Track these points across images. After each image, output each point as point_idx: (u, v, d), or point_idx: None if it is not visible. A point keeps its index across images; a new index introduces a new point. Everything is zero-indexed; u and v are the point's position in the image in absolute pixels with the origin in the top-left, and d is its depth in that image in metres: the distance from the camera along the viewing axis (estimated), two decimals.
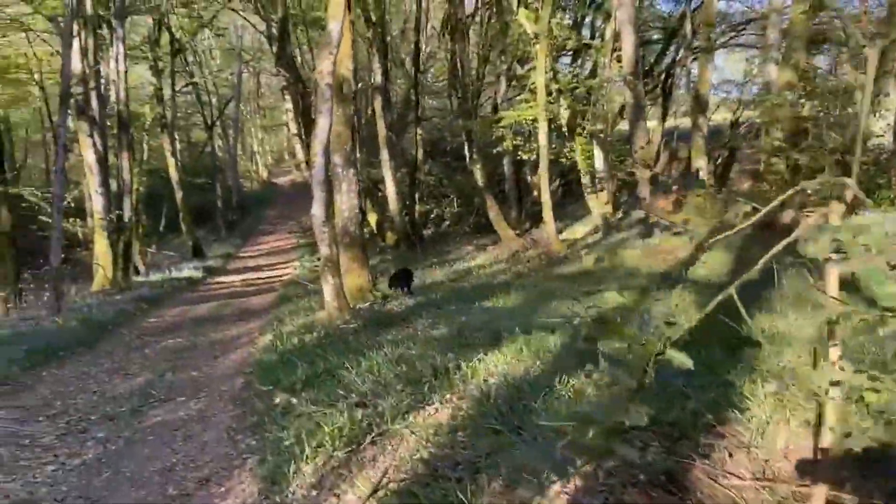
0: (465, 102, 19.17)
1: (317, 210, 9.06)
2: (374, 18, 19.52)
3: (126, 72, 15.21)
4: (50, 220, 16.96)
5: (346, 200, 10.53)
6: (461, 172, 27.60)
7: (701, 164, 17.84)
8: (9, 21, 17.05)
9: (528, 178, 24.32)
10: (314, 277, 18.22)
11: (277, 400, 5.54)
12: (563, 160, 16.85)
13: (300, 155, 25.11)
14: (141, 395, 7.00)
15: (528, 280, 11.89)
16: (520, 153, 16.92)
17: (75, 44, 13.48)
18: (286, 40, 16.74)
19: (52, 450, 5.50)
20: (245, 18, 31.40)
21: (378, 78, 21.44)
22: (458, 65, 19.52)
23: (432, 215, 26.66)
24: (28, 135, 41.72)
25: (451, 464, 3.96)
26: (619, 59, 17.77)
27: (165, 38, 24.71)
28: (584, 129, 16.41)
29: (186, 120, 40.12)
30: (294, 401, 5.47)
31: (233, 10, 28.58)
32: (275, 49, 24.37)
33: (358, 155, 11.14)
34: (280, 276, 19.99)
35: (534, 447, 3.85)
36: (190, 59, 32.81)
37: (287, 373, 6.64)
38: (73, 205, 18.91)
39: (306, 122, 17.75)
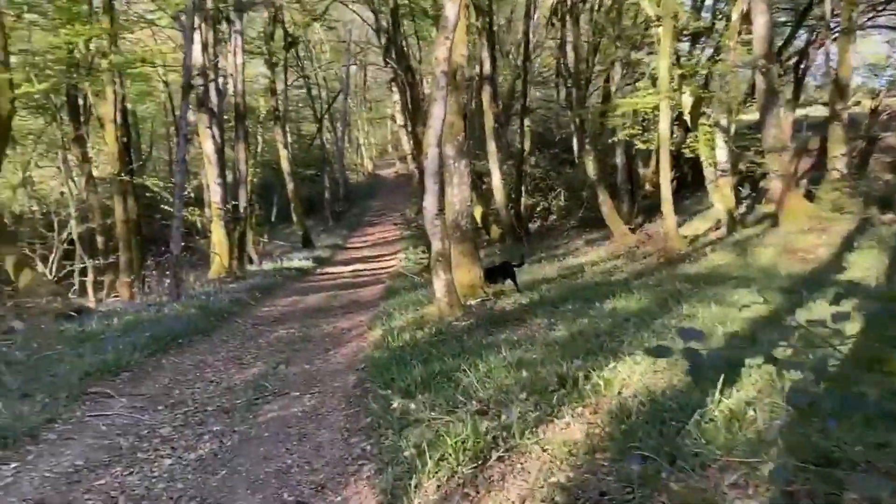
0: (577, 90, 18.39)
1: (429, 203, 8.75)
2: (483, 6, 19.08)
3: (243, 65, 15.62)
4: (171, 210, 17.77)
5: (458, 193, 10.18)
6: (569, 165, 26.78)
7: (838, 154, 16.27)
8: (136, 19, 17.97)
9: (640, 170, 23.17)
10: (420, 270, 18.13)
11: (395, 404, 5.22)
12: (686, 150, 15.76)
13: (406, 147, 25.09)
14: (255, 387, 6.94)
15: (648, 279, 11.11)
16: (637, 143, 15.97)
17: (196, 38, 13.95)
18: (396, 31, 16.62)
19: (170, 442, 5.45)
20: (354, 12, 31.82)
21: (486, 67, 20.99)
22: (571, 52, 18.72)
23: (539, 209, 26.00)
24: (153, 128, 44.49)
25: (595, 494, 3.47)
26: (743, 43, 16.47)
27: (279, 33, 25.39)
28: (707, 117, 15.26)
29: (297, 113, 41.35)
30: (412, 405, 5.13)
31: (343, 3, 29.01)
32: (383, 41, 24.47)
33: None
34: (386, 267, 20.04)
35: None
36: (302, 53, 33.69)
37: (401, 372, 6.35)
38: (192, 195, 19.76)
39: (413, 113, 17.59)
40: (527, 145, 24.41)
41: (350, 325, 10.60)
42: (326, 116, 37.31)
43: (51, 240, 17.23)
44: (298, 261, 19.81)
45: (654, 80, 14.54)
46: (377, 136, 63.77)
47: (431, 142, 8.52)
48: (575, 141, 27.33)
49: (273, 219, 32.39)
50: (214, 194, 15.64)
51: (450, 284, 8.93)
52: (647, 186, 22.91)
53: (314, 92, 36.81)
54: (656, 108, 15.01)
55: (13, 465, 4.79)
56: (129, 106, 33.57)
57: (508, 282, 10.93)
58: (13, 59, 18.70)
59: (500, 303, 9.77)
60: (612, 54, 20.07)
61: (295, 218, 25.95)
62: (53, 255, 16.24)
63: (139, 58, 17.91)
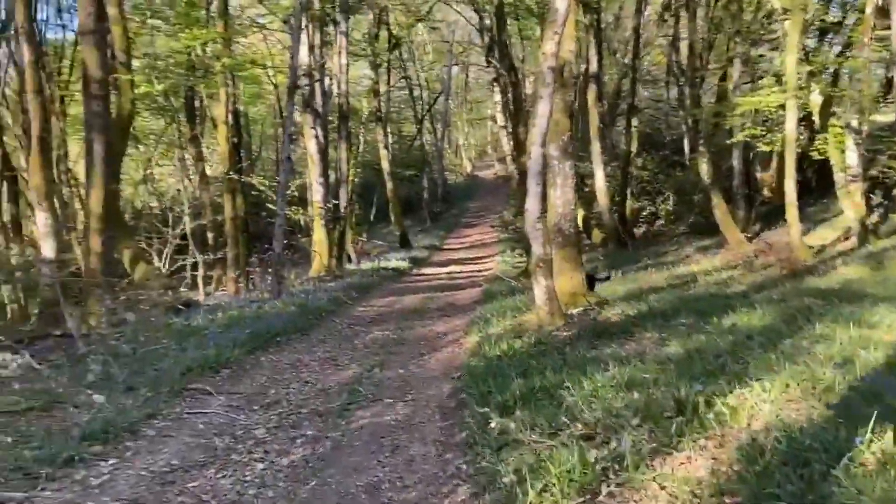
0: (691, 88, 17.36)
1: (531, 205, 8.33)
2: (591, 2, 18.41)
3: (347, 66, 15.79)
4: (275, 208, 18.25)
5: (561, 195, 9.69)
6: (678, 167, 25.50)
7: None
8: (248, 23, 18.62)
9: (757, 173, 21.68)
10: (517, 274, 17.69)
11: (493, 424, 4.86)
12: (813, 153, 14.48)
13: (505, 147, 24.70)
14: (350, 391, 6.78)
15: (771, 293, 10.18)
16: (759, 145, 14.80)
17: (303, 39, 14.19)
18: (500, 30, 16.28)
19: (264, 444, 5.34)
20: (458, 12, 31.76)
21: (593, 65, 20.26)
22: (685, 48, 17.70)
23: (644, 213, 24.91)
24: (263, 129, 46.37)
25: None
26: (878, 39, 14.97)
27: (383, 34, 25.67)
28: (837, 117, 13.93)
29: (399, 114, 41.87)
30: (511, 425, 4.75)
31: (446, 3, 29.01)
32: (486, 40, 24.19)
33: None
34: (483, 270, 19.74)
35: None
36: (405, 55, 34.04)
37: (499, 385, 5.98)
38: (297, 194, 20.25)
39: (515, 113, 17.19)
40: (634, 146, 23.41)
41: (446, 329, 10.35)
42: (427, 117, 37.53)
43: (165, 235, 18.10)
44: (395, 261, 19.86)
45: (778, 78, 13.41)
46: (476, 137, 63.72)
47: (536, 141, 8.11)
48: (686, 142, 25.94)
49: (372, 218, 32.86)
50: (316, 193, 15.89)
51: (551, 291, 8.48)
52: (765, 192, 21.42)
53: (416, 93, 37.13)
54: (781, 107, 13.88)
55: (112, 461, 4.80)
56: (240, 108, 35.18)
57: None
58: (137, 62, 19.91)
59: (604, 312, 9.20)
60: (731, 51, 18.83)
61: (393, 218, 26.17)
62: (167, 249, 17.03)
63: (249, 59, 18.52)
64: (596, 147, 20.97)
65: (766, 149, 14.76)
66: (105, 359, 6.32)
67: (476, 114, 58.95)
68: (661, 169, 25.75)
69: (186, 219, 22.90)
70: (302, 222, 24.67)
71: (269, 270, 13.15)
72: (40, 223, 9.61)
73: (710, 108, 17.53)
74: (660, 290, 11.85)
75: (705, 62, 21.12)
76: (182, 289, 22.23)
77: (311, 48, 15.05)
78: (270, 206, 18.04)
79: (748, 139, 15.55)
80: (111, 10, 14.07)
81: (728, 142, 16.85)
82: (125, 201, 31.50)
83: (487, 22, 24.53)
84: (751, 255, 15.61)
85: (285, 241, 16.48)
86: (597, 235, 23.32)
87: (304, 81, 14.60)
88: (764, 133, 14.72)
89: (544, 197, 8.54)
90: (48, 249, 9.53)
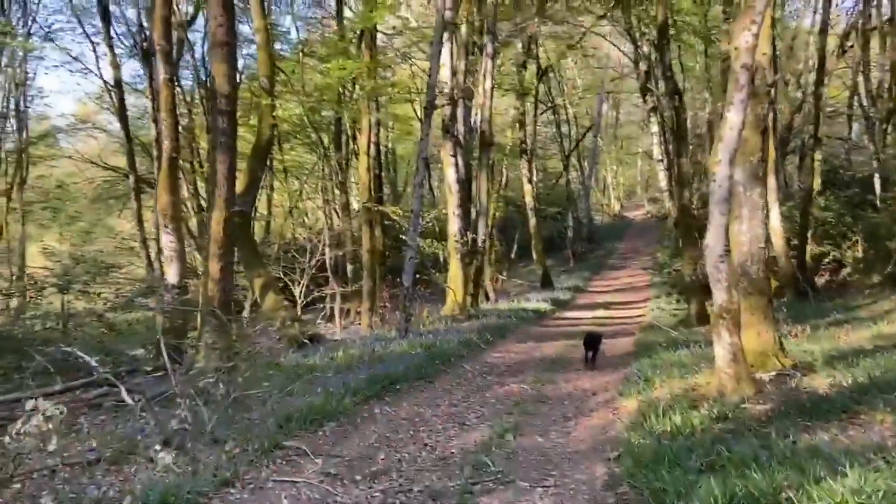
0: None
1: (712, 239, 6.58)
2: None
3: (492, 90, 14.78)
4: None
5: (748, 230, 7.81)
6: (869, 208, 21.95)
7: None
8: (394, 54, 18.32)
9: None
10: (676, 323, 15.52)
11: None
12: None
13: (662, 183, 22.53)
14: (475, 464, 5.37)
15: None
16: None
17: (445, 59, 13.37)
18: (663, 49, 14.54)
19: None
20: (612, 42, 30.16)
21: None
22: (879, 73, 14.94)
23: (827, 260, 21.56)
24: (409, 166, 47.00)
25: None
26: None
27: (531, 65, 24.66)
28: None
29: (544, 150, 40.62)
30: None
31: (599, 35, 27.54)
32: (643, 69, 22.41)
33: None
34: (634, 316, 17.69)
35: None
36: (553, 88, 32.87)
37: (677, 480, 4.31)
38: (434, 226, 19.45)
39: (678, 143, 15.26)
40: (816, 183, 20.42)
41: (594, 387, 8.68)
42: (574, 153, 35.93)
43: (303, 265, 17.88)
44: (536, 302, 18.32)
45: None
46: (626, 176, 60.94)
47: (721, 159, 6.39)
48: (877, 180, 22.48)
49: (513, 256, 31.54)
50: (453, 225, 14.85)
51: (736, 350, 6.62)
52: None
53: (563, 128, 35.73)
54: None
55: None
56: (384, 140, 35.66)
57: None
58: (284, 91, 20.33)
59: (806, 380, 7.13)
60: None
61: (535, 256, 24.68)
62: (303, 280, 16.70)
63: (390, 83, 18.10)
64: (772, 181, 18.30)
65: None
66: (194, 403, 5.38)
67: (626, 150, 56.36)
68: (846, 210, 22.25)
69: (327, 250, 22.82)
70: (442, 257, 23.89)
71: (400, 307, 12.16)
72: (166, 246, 9.31)
73: None
74: (867, 353, 9.37)
75: None
76: (319, 321, 22.10)
77: (454, 72, 14.19)
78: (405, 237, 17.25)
79: None
80: (258, 38, 14.04)
81: None
82: (274, 232, 32.78)
83: (645, 49, 22.77)
84: None
85: (419, 276, 15.53)
86: (771, 283, 20.35)
87: (443, 102, 13.72)
88: None
89: (727, 231, 6.74)
90: (172, 274, 9.18)
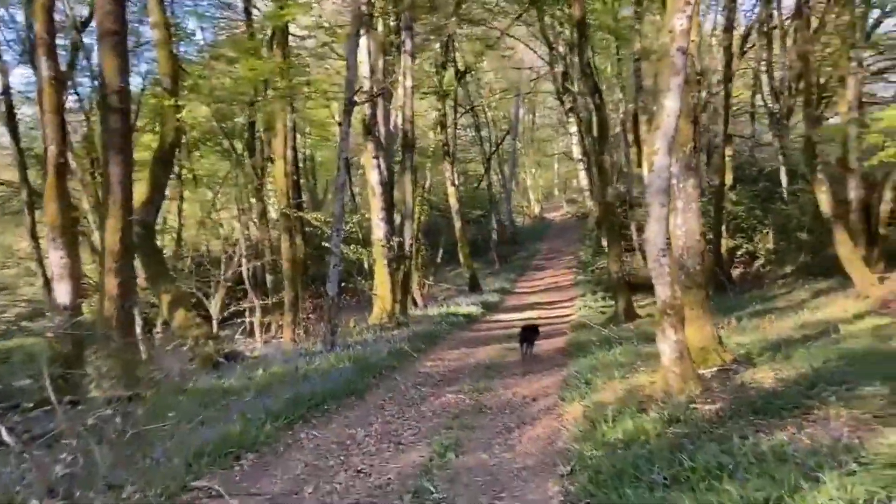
0: (807, 107, 14.98)
1: (653, 233, 6.30)
2: None
3: (413, 89, 14.23)
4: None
5: (683, 223, 7.62)
6: (777, 201, 22.84)
7: None
8: (310, 54, 17.53)
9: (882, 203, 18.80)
10: (605, 320, 15.46)
11: None
12: None
13: (583, 183, 22.68)
14: (415, 490, 4.83)
15: None
16: None
17: (363, 56, 12.75)
18: (583, 45, 14.43)
19: None
20: (527, 45, 30.32)
21: None
22: (787, 68, 15.41)
23: (740, 252, 22.24)
24: (329, 173, 45.91)
25: None
26: None
27: (450, 72, 24.32)
28: None
29: (465, 152, 40.56)
30: None
31: (514, 38, 27.56)
32: (560, 70, 22.50)
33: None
34: (563, 316, 17.57)
35: None
36: (471, 91, 32.77)
37: (644, 499, 3.90)
38: (358, 232, 18.74)
39: (600, 141, 15.22)
40: (728, 179, 21.00)
41: (534, 392, 8.29)
42: (494, 157, 35.92)
43: (217, 277, 16.77)
44: (466, 306, 17.91)
45: None
46: (544, 178, 61.81)
47: (660, 147, 6.12)
48: (783, 174, 23.43)
49: (439, 260, 31.14)
50: (378, 230, 14.21)
51: (682, 348, 6.35)
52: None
53: (483, 132, 35.69)
54: None
55: None
56: (300, 145, 34.57)
57: None
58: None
59: (748, 374, 6.96)
60: (846, 65, 16.36)
61: (462, 259, 24.34)
62: (218, 293, 15.64)
63: (305, 82, 17.28)
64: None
65: None
66: (85, 442, 4.58)
67: (543, 153, 57.17)
68: (756, 204, 23.08)
69: (244, 261, 21.71)
70: (367, 264, 23.12)
71: (324, 318, 11.43)
72: (55, 263, 8.24)
73: (834, 129, 15.05)
74: (796, 342, 9.43)
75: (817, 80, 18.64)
76: (238, 336, 20.92)
77: (373, 70, 13.56)
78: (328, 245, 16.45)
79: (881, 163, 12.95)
80: (156, 34, 13.07)
81: (866, 164, 14.26)
82: (188, 244, 31.11)
83: (561, 49, 22.91)
84: (888, 298, 12.93)
85: (344, 284, 14.85)
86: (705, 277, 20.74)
87: (363, 99, 13.03)
88: None
89: (667, 224, 6.47)
90: (63, 294, 8.12)
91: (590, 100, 16.51)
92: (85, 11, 21.50)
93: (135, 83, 21.69)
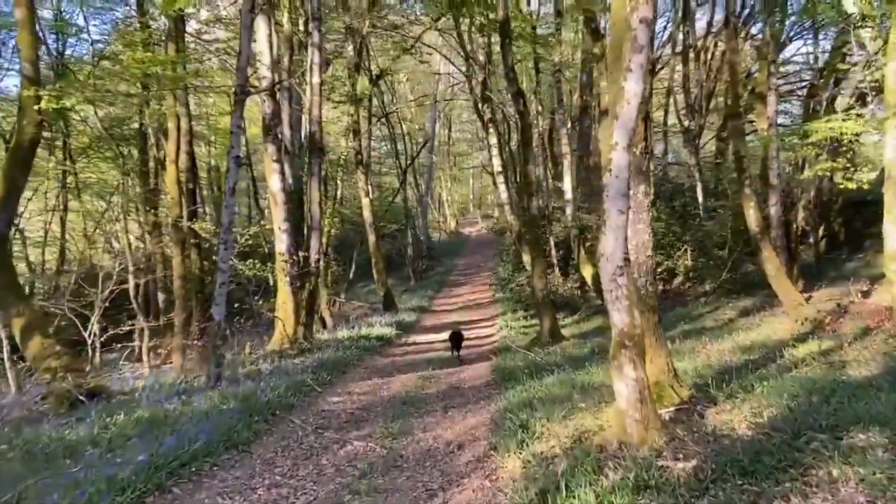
0: (734, 119, 14.53)
1: (610, 247, 5.14)
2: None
3: (320, 86, 12.68)
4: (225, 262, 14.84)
5: (633, 235, 6.53)
6: (694, 218, 22.70)
7: None
8: (207, 48, 15.69)
9: (797, 220, 18.83)
10: (530, 342, 14.39)
11: None
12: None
13: (503, 196, 21.73)
14: None
15: None
16: (842, 180, 11.80)
17: (262, 41, 11.14)
18: (506, 49, 13.42)
19: None
20: (442, 55, 29.39)
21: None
22: (709, 82, 14.99)
23: (660, 269, 21.81)
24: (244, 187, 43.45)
25: None
26: None
27: (363, 78, 22.94)
28: None
29: (380, 164, 39.23)
30: None
31: (428, 45, 26.52)
32: (479, 77, 21.57)
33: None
34: (485, 337, 16.41)
35: None
36: (386, 100, 31.52)
37: None
38: (265, 247, 16.94)
39: (524, 147, 14.23)
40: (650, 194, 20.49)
41: (459, 436, 6.96)
42: (410, 170, 34.69)
43: (93, 297, 14.56)
44: (379, 326, 16.44)
45: (861, 98, 10.63)
46: (459, 193, 61.34)
47: (618, 141, 4.98)
48: (699, 190, 23.37)
49: (351, 276, 29.49)
50: (280, 243, 12.53)
51: (643, 388, 5.20)
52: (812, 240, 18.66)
53: (399, 145, 34.44)
54: (856, 135, 11.08)
55: None
56: (204, 154, 32.27)
57: None
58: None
59: (713, 415, 5.90)
60: (761, 84, 16.15)
61: (376, 275, 22.80)
62: (94, 315, 13.48)
63: (194, 72, 15.43)
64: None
65: (851, 186, 11.67)
66: None
67: (459, 167, 56.69)
68: (674, 221, 22.88)
69: (130, 277, 19.39)
70: (272, 281, 21.21)
71: (208, 347, 9.69)
72: None
73: (764, 140, 14.64)
74: (744, 369, 8.56)
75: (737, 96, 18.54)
76: (124, 362, 18.54)
77: (276, 62, 11.91)
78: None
79: (824, 174, 12.63)
80: (18, 13, 11.12)
81: (802, 177, 13.90)
82: (73, 258, 28.07)
83: (481, 58, 22.02)
84: (820, 319, 12.50)
85: (238, 305, 13.12)
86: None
87: (260, 88, 11.45)
88: (848, 167, 11.71)
89: (623, 236, 5.33)
90: None
91: (512, 106, 15.57)
92: None
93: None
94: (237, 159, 8.50)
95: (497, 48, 24.54)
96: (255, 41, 11.98)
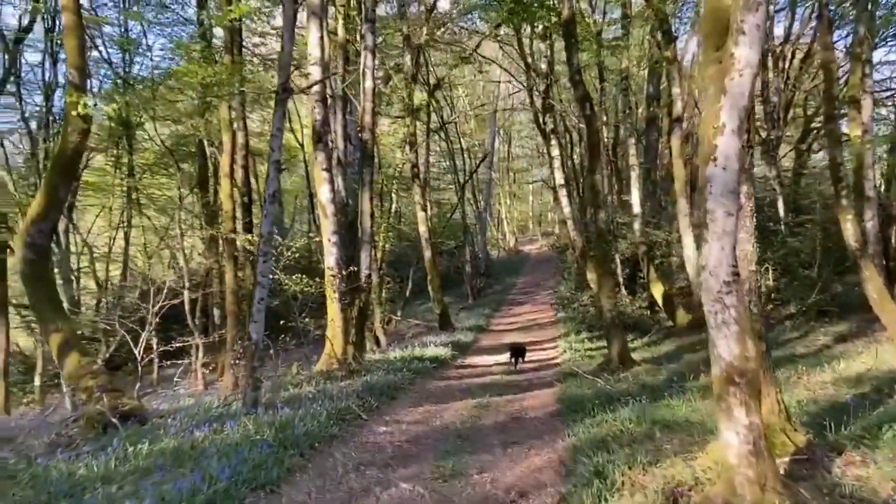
0: (829, 122, 13.12)
1: (714, 256, 4.11)
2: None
3: (374, 91, 11.99)
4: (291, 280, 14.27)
5: (718, 250, 5.40)
6: (776, 235, 21.01)
7: None
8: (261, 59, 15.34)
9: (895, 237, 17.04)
10: (598, 367, 13.22)
11: None
12: None
13: (565, 210, 20.59)
14: None
15: None
16: None
17: (314, 40, 10.50)
18: (572, 48, 12.46)
19: None
20: (501, 66, 28.62)
21: (678, 107, 16.40)
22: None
23: None
24: (299, 201, 43.86)
25: None
26: None
27: (420, 92, 22.37)
28: None
29: (438, 180, 38.66)
30: None
31: (486, 58, 25.72)
32: (542, 85, 20.63)
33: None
34: (547, 360, 15.29)
35: None
36: (446, 114, 30.98)
37: None
38: (320, 261, 16.34)
39: (591, 156, 13.15)
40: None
41: (521, 480, 5.96)
42: (468, 185, 33.87)
43: (144, 313, 14.21)
44: (434, 347, 15.53)
45: None
46: (519, 211, 60.25)
47: (726, 122, 3.96)
48: (780, 205, 21.71)
49: (408, 294, 28.79)
50: (329, 256, 11.80)
51: (758, 438, 4.10)
52: None
53: (457, 161, 33.75)
54: None
55: None
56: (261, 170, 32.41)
57: None
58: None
59: (842, 469, 4.73)
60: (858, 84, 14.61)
61: (431, 293, 21.96)
62: (144, 333, 13.07)
63: (244, 79, 15.02)
64: (683, 204, 16.79)
65: None
66: None
67: (518, 185, 55.72)
68: (756, 237, 21.23)
69: (186, 292, 19.21)
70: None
71: (245, 369, 8.98)
72: None
73: (859, 147, 13.12)
74: (857, 408, 7.21)
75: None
76: (178, 379, 18.26)
77: (326, 66, 11.26)
78: (275, 276, 13.97)
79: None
80: (66, 18, 10.87)
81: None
82: (139, 273, 28.41)
83: (543, 67, 21.08)
84: None
85: (283, 323, 12.48)
86: (682, 317, 18.69)
87: (318, 112, 10.75)
88: None
89: (734, 244, 4.27)
90: None
91: (574, 116, 14.55)
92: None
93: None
94: (277, 164, 7.81)
95: (559, 56, 23.70)
96: (305, 44, 11.42)
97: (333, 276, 11.68)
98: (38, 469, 5.64)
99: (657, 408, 8.10)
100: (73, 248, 28.40)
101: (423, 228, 21.28)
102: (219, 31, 19.80)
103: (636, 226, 20.85)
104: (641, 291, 21.70)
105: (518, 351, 13.75)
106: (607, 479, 5.18)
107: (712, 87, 4.14)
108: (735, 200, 4.07)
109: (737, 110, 3.94)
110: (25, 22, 21.86)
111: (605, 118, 26.55)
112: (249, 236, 15.04)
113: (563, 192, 20.95)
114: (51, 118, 21.04)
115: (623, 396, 9.14)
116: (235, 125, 16.61)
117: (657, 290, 19.75)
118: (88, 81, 22.46)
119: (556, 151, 20.79)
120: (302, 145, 28.93)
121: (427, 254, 21.63)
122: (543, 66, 20.99)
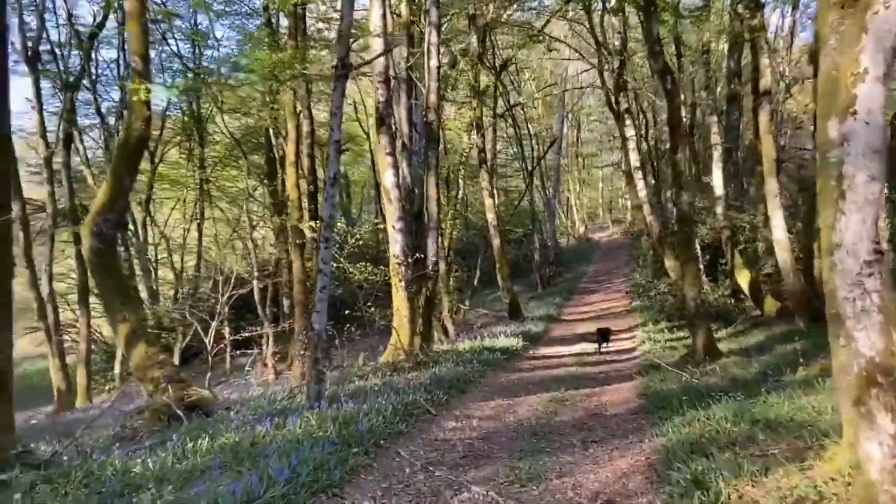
0: None
1: (853, 230, 3.41)
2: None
3: (438, 70, 11.47)
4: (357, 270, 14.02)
5: (860, 220, 4.61)
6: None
7: None
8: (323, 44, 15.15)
9: None
10: (681, 358, 12.37)
11: None
12: None
13: (641, 194, 19.56)
14: None
15: None
16: None
17: (376, 25, 10.07)
18: (652, 16, 11.56)
19: None
20: (572, 46, 27.58)
21: (766, 79, 15.19)
22: None
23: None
24: (365, 191, 44.11)
25: None
26: None
27: (484, 78, 21.69)
28: None
29: (506, 167, 37.88)
30: None
31: (554, 38, 24.72)
32: (615, 62, 19.63)
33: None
34: (623, 351, 14.48)
35: None
36: (513, 98, 30.20)
37: None
38: (385, 246, 16.08)
39: (672, 132, 12.25)
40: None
41: (607, 488, 5.34)
42: (536, 172, 32.99)
43: (213, 304, 14.27)
44: (504, 337, 14.97)
45: None
46: (588, 198, 58.70)
47: (868, 65, 3.22)
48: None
49: (476, 282, 28.28)
50: (394, 243, 11.40)
51: None
52: None
53: (525, 147, 32.88)
54: None
55: None
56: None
57: None
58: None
59: None
60: None
61: (500, 282, 21.37)
62: (214, 322, 13.07)
63: (306, 60, 14.74)
64: (772, 185, 15.54)
65: None
66: None
67: (588, 170, 54.26)
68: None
69: (255, 282, 19.29)
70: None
71: (308, 362, 8.68)
72: None
73: None
74: None
75: None
76: (248, 368, 18.39)
77: (388, 45, 10.78)
78: (340, 265, 13.69)
79: None
80: (128, 4, 10.77)
81: None
82: (214, 264, 29.05)
83: (617, 43, 20.05)
84: None
85: (349, 312, 12.17)
86: (770, 305, 17.42)
87: (381, 93, 10.29)
88: None
89: (877, 213, 3.53)
90: None
91: (651, 92, 13.60)
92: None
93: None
94: (337, 144, 7.39)
95: (632, 34, 22.53)
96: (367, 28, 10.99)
97: (399, 263, 11.27)
98: (94, 465, 5.42)
99: (754, 405, 7.29)
100: (150, 240, 29.29)
101: (490, 216, 20.67)
102: (283, 21, 19.82)
103: (718, 209, 19.60)
104: (723, 279, 20.45)
105: (605, 333, 14.09)
106: (710, 491, 4.51)
107: (847, 25, 3.40)
108: (880, 162, 3.34)
109: (882, 52, 3.20)
110: (99, 18, 22.50)
111: (682, 97, 25.21)
112: (313, 223, 14.84)
113: (638, 175, 19.93)
114: (125, 112, 21.56)
115: (713, 392, 8.34)
116: (301, 113, 16.44)
117: (742, 277, 18.53)
118: (160, 75, 22.89)
119: (630, 132, 19.79)
120: (367, 135, 28.78)
121: (495, 242, 21.02)
122: (617, 43, 19.97)
